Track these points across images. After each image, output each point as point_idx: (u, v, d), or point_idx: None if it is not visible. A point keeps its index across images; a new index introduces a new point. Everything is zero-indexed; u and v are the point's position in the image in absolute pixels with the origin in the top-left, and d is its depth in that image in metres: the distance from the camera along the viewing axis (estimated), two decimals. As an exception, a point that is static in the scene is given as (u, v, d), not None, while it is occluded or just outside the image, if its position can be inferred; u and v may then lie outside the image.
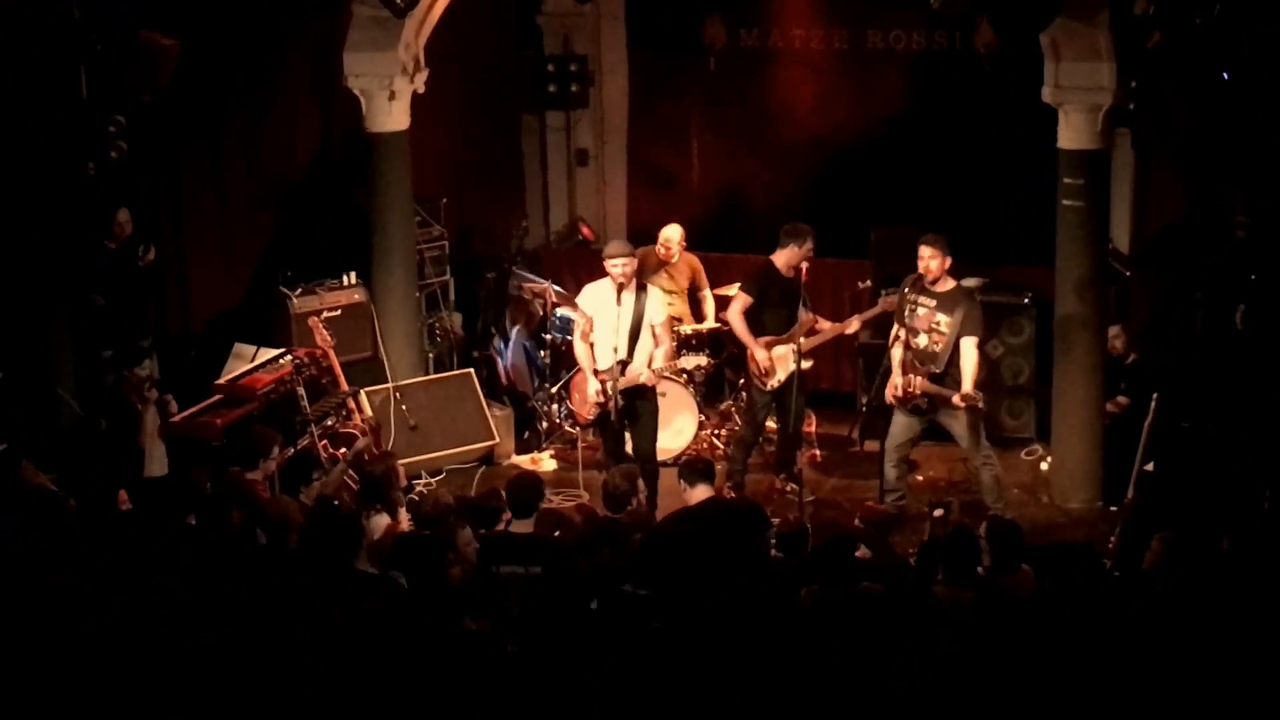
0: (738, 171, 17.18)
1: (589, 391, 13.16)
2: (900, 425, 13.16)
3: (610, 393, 12.94)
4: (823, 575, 9.37)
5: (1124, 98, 13.10)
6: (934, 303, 12.93)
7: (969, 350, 12.78)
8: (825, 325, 13.79)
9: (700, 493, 11.00)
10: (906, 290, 13.08)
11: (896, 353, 13.04)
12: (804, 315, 13.56)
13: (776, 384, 13.62)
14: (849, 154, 16.29)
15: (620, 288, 12.93)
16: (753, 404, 14.00)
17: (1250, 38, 11.95)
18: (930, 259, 12.88)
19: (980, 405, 12.85)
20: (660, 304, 13.25)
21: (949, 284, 13.00)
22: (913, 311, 13.00)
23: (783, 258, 13.59)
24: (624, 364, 12.98)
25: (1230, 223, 14.21)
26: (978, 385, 12.83)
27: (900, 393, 12.93)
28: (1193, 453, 12.75)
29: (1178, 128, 13.51)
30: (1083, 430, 13.78)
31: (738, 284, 14.19)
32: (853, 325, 13.84)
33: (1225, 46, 12.23)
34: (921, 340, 12.94)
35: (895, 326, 13.12)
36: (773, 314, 13.64)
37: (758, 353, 13.57)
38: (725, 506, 10.75)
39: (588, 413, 13.35)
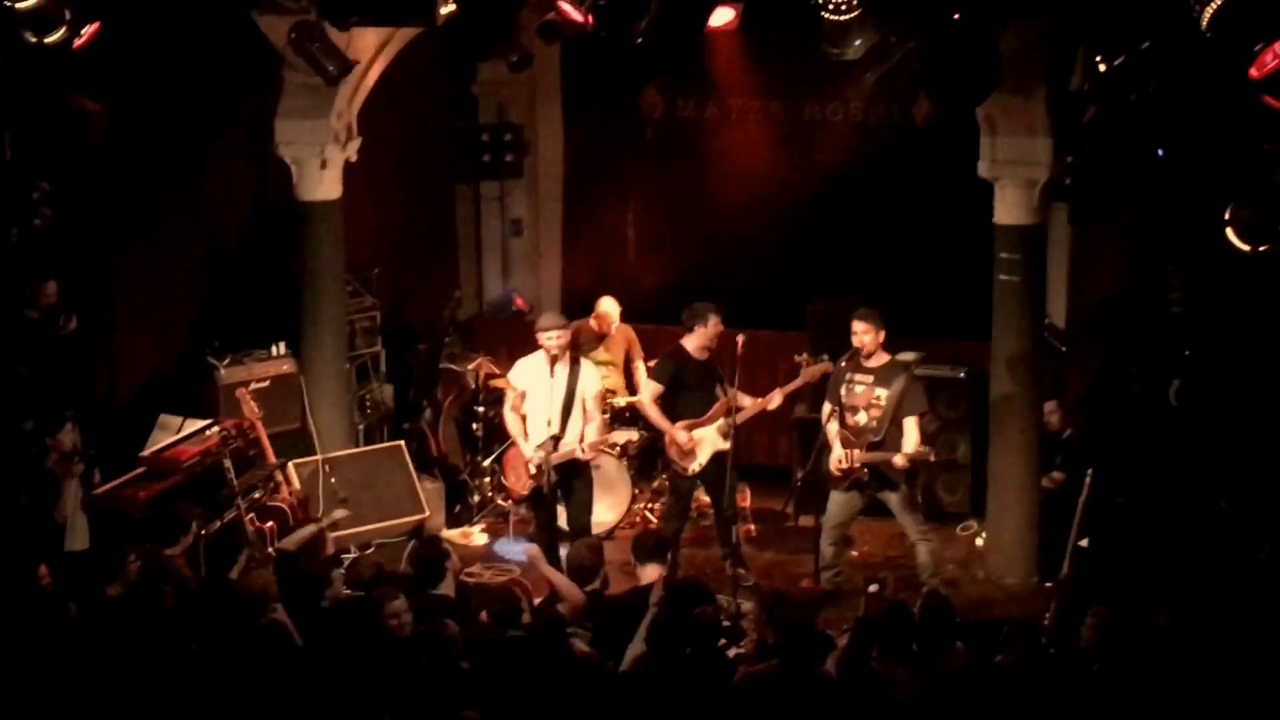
0: (675, 242, 17.15)
1: (523, 464, 13.01)
2: (838, 503, 13.04)
3: (544, 467, 12.79)
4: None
5: (1060, 173, 13.07)
6: (871, 378, 12.85)
7: (911, 428, 12.72)
8: (746, 402, 13.54)
9: (651, 572, 10.99)
10: (843, 365, 12.98)
11: (833, 427, 12.92)
12: (724, 394, 13.42)
13: (698, 468, 13.43)
14: (786, 225, 16.30)
15: (553, 360, 12.86)
16: (676, 489, 13.79)
17: (1185, 114, 11.94)
18: (864, 334, 12.81)
19: (931, 458, 12.83)
20: (593, 378, 13.15)
21: (884, 358, 12.93)
22: (850, 389, 12.91)
23: (692, 341, 13.40)
24: (557, 438, 12.89)
25: (1166, 298, 14.20)
26: (919, 461, 12.77)
27: (843, 467, 12.81)
28: (1128, 528, 12.71)
29: (1114, 203, 13.48)
30: (1018, 506, 13.71)
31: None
32: (774, 400, 13.54)
33: (1160, 123, 12.23)
34: (861, 417, 12.84)
35: (827, 403, 13.01)
36: (688, 398, 13.43)
37: (678, 435, 13.35)
38: (678, 587, 10.72)
39: (521, 487, 13.21)
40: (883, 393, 12.77)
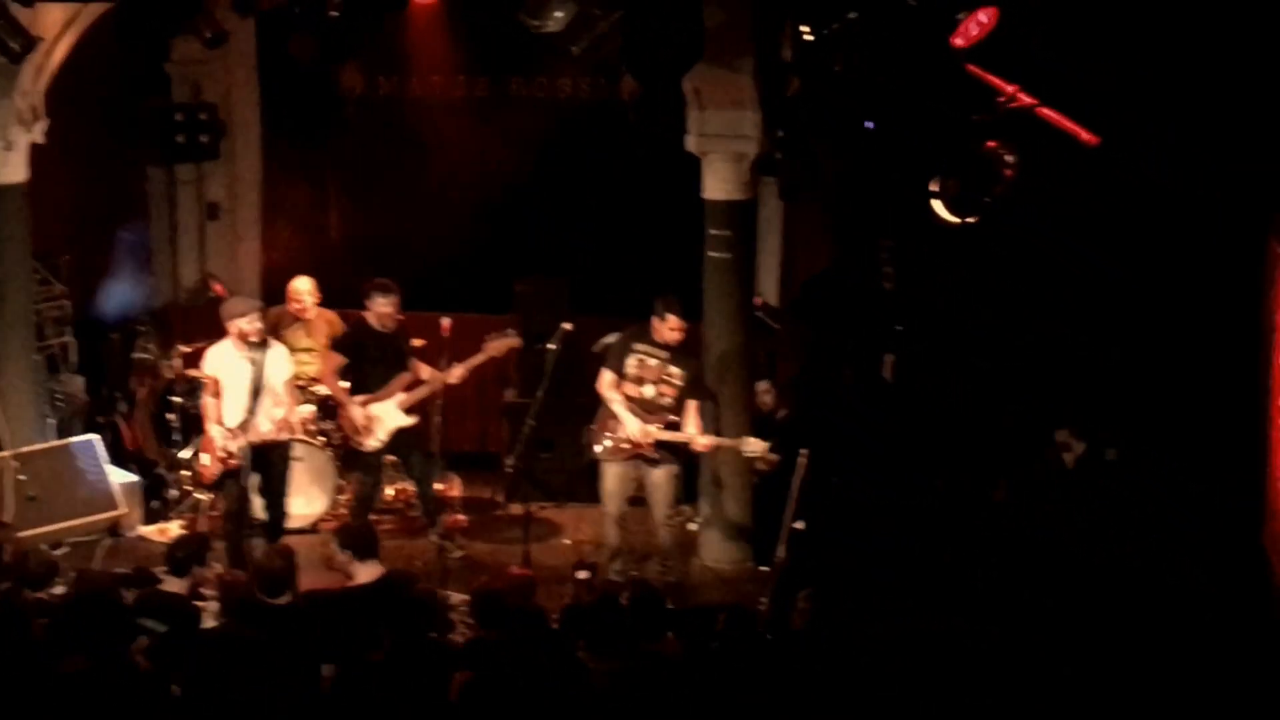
0: (378, 223, 16.80)
1: (214, 448, 12.74)
2: (615, 476, 12.93)
3: (234, 450, 12.58)
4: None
5: (770, 146, 12.91)
6: (666, 354, 12.75)
7: (694, 413, 12.73)
8: (426, 374, 13.51)
9: (369, 570, 10.46)
10: (624, 337, 12.91)
11: (617, 396, 12.74)
12: (410, 368, 13.44)
13: (378, 444, 13.43)
14: (492, 205, 16.09)
15: (246, 344, 12.67)
16: (357, 465, 13.74)
17: (891, 85, 11.86)
18: (680, 330, 12.71)
19: (772, 459, 12.76)
20: (283, 361, 12.97)
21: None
22: (642, 361, 12.79)
23: (371, 314, 13.44)
24: (246, 424, 12.70)
25: (876, 273, 14.17)
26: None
27: (638, 440, 12.65)
28: (843, 509, 12.65)
29: (822, 177, 13.37)
30: (732, 489, 13.59)
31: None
32: (455, 374, 13.47)
33: (867, 95, 12.13)
34: (648, 390, 12.76)
35: (608, 372, 12.80)
36: (371, 371, 13.47)
37: (353, 410, 13.37)
38: (403, 590, 10.29)
39: (214, 471, 12.77)
40: (677, 370, 12.70)
